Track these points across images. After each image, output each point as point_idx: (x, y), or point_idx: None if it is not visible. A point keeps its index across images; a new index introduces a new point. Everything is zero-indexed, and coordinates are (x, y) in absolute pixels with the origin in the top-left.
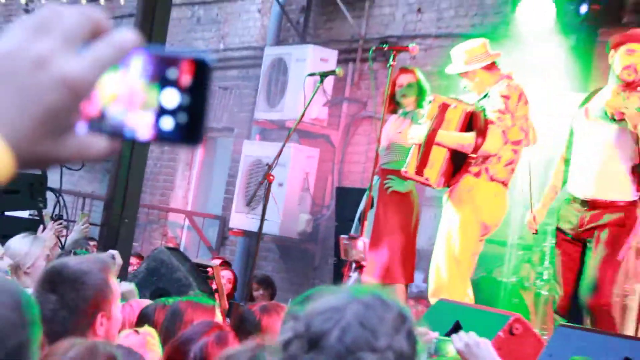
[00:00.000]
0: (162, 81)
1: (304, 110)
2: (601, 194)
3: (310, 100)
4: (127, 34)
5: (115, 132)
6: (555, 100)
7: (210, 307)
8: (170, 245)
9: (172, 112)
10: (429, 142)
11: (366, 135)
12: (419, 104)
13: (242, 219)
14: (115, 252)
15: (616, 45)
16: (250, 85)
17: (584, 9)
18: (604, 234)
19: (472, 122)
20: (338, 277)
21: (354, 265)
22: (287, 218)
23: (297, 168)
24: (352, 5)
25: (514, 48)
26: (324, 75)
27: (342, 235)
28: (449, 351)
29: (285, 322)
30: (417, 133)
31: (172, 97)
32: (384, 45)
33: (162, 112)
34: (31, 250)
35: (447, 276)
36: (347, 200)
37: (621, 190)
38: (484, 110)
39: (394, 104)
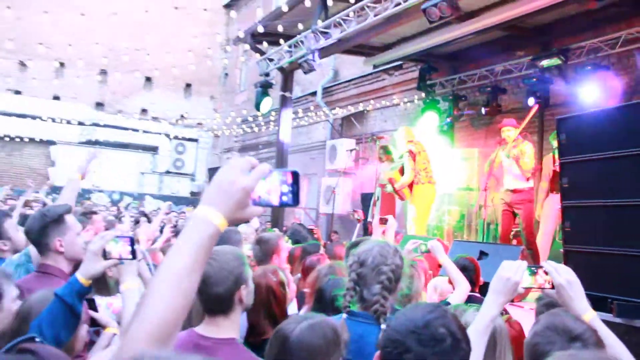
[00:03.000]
0: (282, 182)
1: (345, 165)
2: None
3: (347, 161)
4: (265, 165)
5: (264, 203)
6: (435, 150)
7: (319, 245)
8: (297, 222)
9: (287, 194)
10: (396, 192)
11: (371, 172)
12: (390, 157)
13: (325, 208)
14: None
15: (500, 129)
16: (322, 156)
17: (449, 116)
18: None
19: (398, 172)
20: (365, 227)
21: (357, 221)
22: (341, 206)
23: (344, 187)
24: (359, 121)
25: (420, 130)
26: (350, 150)
27: (348, 210)
28: (421, 247)
29: (348, 256)
30: (388, 189)
31: (285, 188)
32: (374, 137)
33: (282, 194)
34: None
35: (416, 228)
36: (366, 199)
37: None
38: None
39: (381, 159)
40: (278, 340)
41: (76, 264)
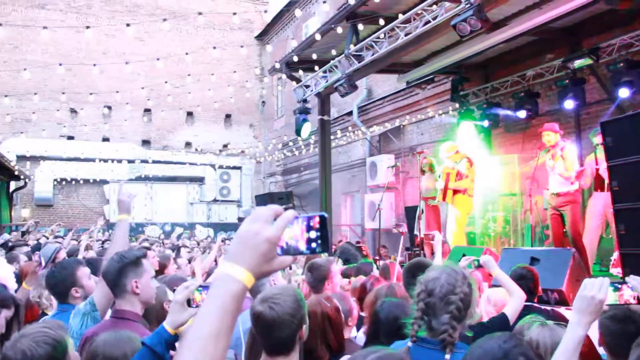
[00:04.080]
0: (308, 228)
1: (386, 180)
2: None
3: (391, 176)
4: (290, 212)
5: (292, 252)
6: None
7: (370, 263)
8: (344, 239)
9: (314, 240)
10: (445, 187)
11: (412, 184)
12: (433, 171)
13: (370, 224)
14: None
15: (541, 132)
16: (362, 173)
17: (485, 123)
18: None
19: (456, 175)
20: (412, 240)
21: (401, 233)
22: (386, 221)
23: (387, 202)
24: (396, 137)
25: (459, 142)
26: (391, 166)
27: (392, 225)
28: (475, 263)
29: (417, 283)
30: (439, 184)
31: (313, 234)
32: (414, 152)
33: (310, 240)
34: None
35: (455, 236)
36: (410, 212)
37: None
38: (457, 171)
39: (423, 172)
40: None
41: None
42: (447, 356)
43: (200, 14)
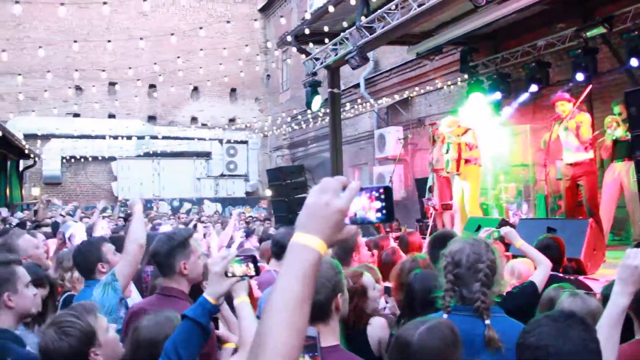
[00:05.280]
0: (375, 198)
1: (399, 154)
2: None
3: (400, 148)
4: (357, 184)
5: (360, 221)
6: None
7: (387, 235)
8: None
9: (380, 209)
10: (458, 157)
11: (421, 156)
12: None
13: None
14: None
15: (553, 104)
16: (370, 145)
17: (498, 95)
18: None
19: (466, 145)
20: (422, 211)
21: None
22: (396, 192)
23: (397, 174)
24: (404, 109)
25: (464, 115)
26: (402, 138)
27: (424, 198)
28: (494, 234)
29: (441, 256)
30: (450, 155)
31: (378, 204)
32: (425, 124)
33: (377, 210)
34: None
35: (469, 207)
36: (419, 183)
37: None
38: (465, 142)
39: (434, 142)
40: (400, 346)
41: (192, 285)
42: (488, 321)
43: None
